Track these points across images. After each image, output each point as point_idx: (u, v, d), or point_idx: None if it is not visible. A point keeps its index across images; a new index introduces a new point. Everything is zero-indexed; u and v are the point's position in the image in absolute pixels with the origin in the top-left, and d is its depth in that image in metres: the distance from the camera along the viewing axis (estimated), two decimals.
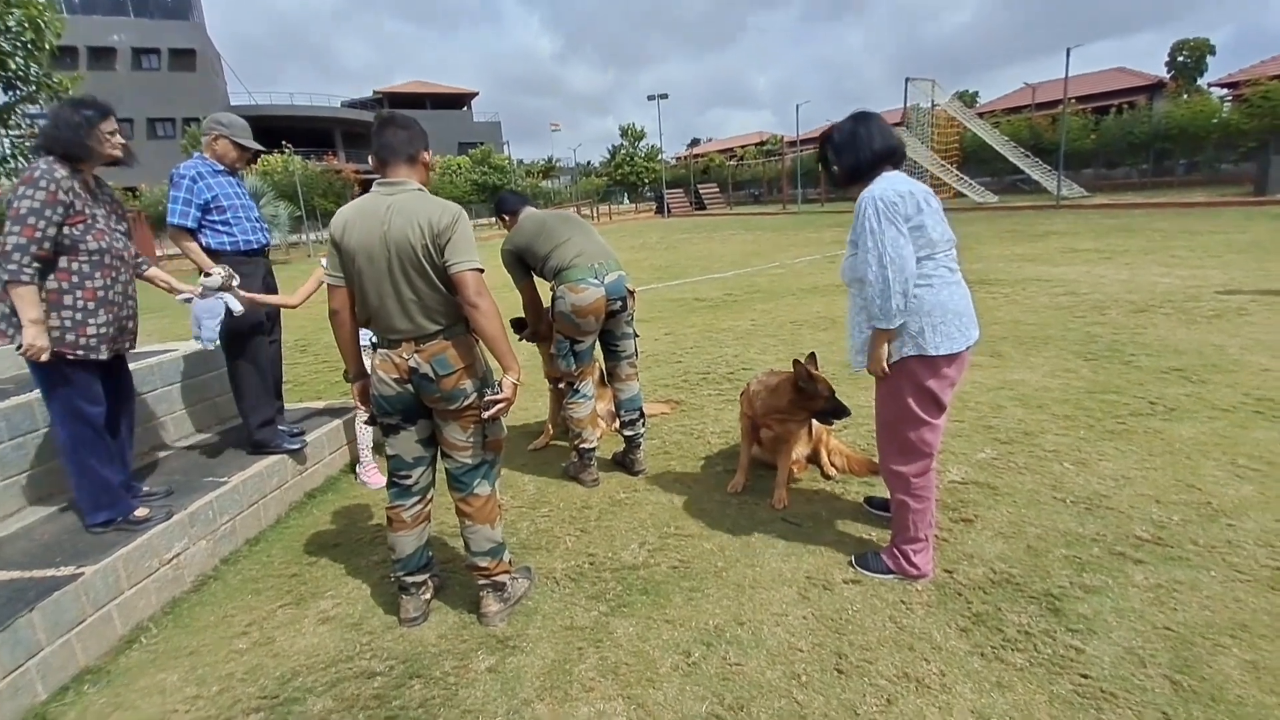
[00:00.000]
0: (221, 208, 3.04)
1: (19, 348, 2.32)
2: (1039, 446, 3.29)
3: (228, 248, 3.07)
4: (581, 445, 3.25)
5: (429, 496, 2.32)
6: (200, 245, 3.02)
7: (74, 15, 35.48)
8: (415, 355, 2.04)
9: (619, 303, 3.12)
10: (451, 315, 2.05)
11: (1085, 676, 1.81)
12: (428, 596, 2.36)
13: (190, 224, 2.98)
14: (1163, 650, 1.89)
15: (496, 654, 2.11)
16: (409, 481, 2.24)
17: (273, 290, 3.31)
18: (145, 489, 2.80)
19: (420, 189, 2.10)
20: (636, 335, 3.37)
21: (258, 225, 3.19)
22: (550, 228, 3.13)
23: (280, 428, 3.43)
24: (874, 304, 2.05)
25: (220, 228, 3.05)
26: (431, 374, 2.03)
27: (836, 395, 2.78)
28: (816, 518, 2.80)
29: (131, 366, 3.28)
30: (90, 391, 2.50)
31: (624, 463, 3.42)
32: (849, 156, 2.16)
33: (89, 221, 2.41)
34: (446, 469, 2.25)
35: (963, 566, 2.36)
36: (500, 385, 2.08)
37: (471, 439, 2.16)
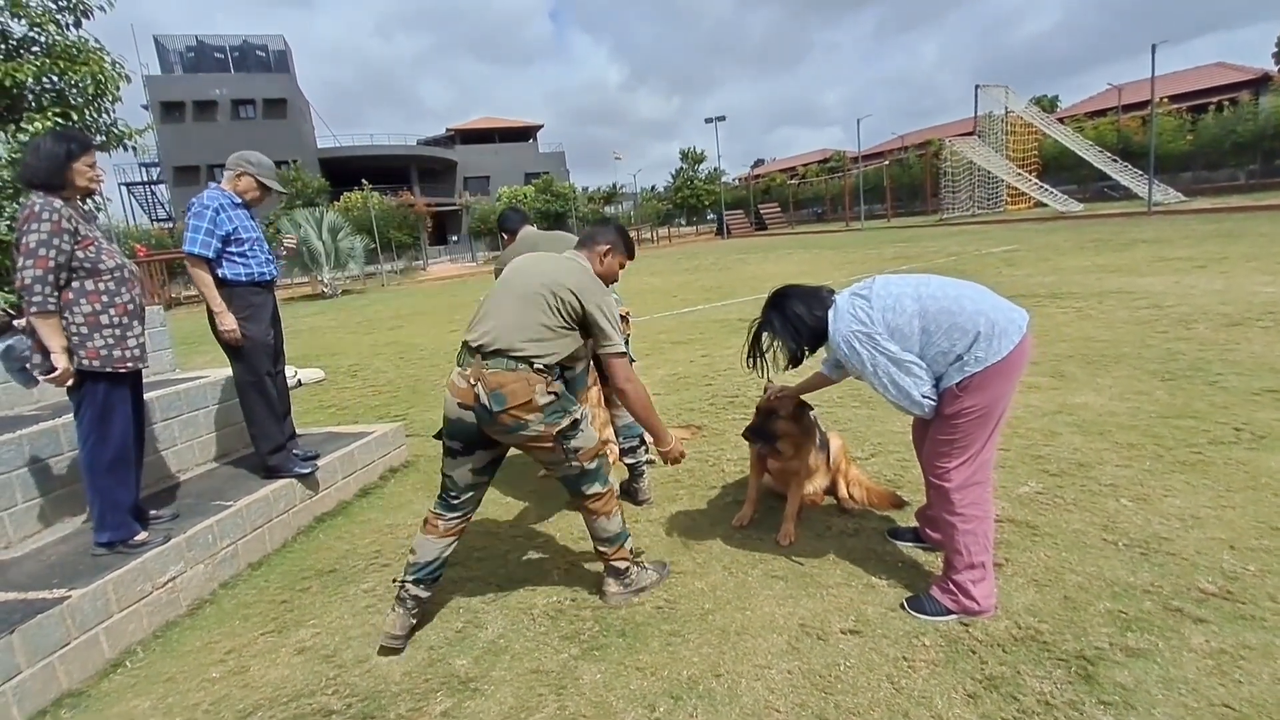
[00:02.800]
0: (240, 240, 3.14)
1: (47, 373, 2.44)
2: (1094, 480, 2.90)
3: (243, 279, 3.15)
4: None
5: (469, 515, 2.36)
6: (216, 276, 3.12)
7: (182, 75, 39.38)
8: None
9: None
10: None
11: None
12: (414, 622, 2.29)
13: (211, 254, 3.07)
14: None
15: (456, 696, 1.99)
16: (456, 501, 2.30)
17: (279, 320, 3.38)
18: (153, 513, 2.87)
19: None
20: (633, 360, 3.23)
21: (269, 259, 3.28)
22: (539, 249, 3.05)
23: (294, 453, 3.48)
24: (911, 411, 2.10)
25: (238, 260, 3.15)
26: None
27: (767, 418, 2.66)
28: (824, 557, 2.55)
29: (158, 393, 3.44)
30: (126, 408, 2.64)
31: (628, 492, 3.26)
32: (791, 340, 2.17)
33: (97, 243, 2.54)
34: (552, 475, 2.37)
35: (981, 619, 2.05)
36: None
37: (557, 457, 2.21)
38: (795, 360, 2.23)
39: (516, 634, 2.27)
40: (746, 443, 2.92)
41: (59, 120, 5.44)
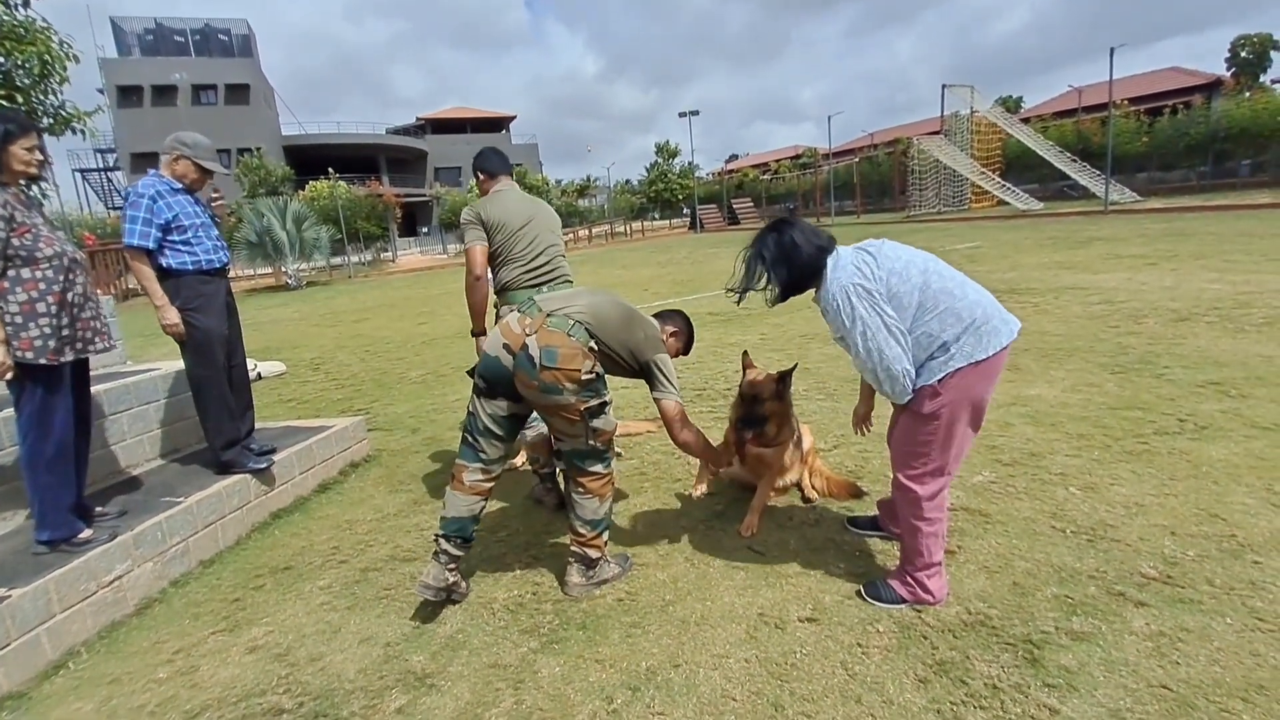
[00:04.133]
0: (183, 227, 3.01)
1: None
2: (1044, 469, 2.98)
3: (189, 268, 3.04)
4: (540, 470, 3.10)
5: (493, 474, 2.35)
6: (160, 266, 3.00)
7: (140, 58, 38.00)
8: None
9: None
10: None
11: None
12: (451, 580, 2.29)
13: (150, 245, 2.94)
14: (1156, 714, 1.61)
15: (411, 693, 1.96)
16: (476, 446, 2.30)
17: (233, 310, 3.28)
18: (98, 509, 2.77)
19: None
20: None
21: (218, 244, 3.16)
22: (514, 230, 2.92)
23: (251, 447, 3.39)
24: (882, 388, 1.98)
25: (181, 248, 3.03)
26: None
27: (754, 404, 2.65)
28: (784, 546, 2.58)
29: (106, 386, 3.32)
30: (67, 402, 2.54)
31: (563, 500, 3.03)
32: (783, 270, 1.98)
33: (35, 230, 2.43)
34: (559, 447, 2.35)
35: (934, 605, 2.10)
36: None
37: (576, 430, 2.23)
38: (783, 295, 2.02)
39: (475, 628, 2.25)
40: (724, 436, 2.95)
41: (3, 102, 5.19)
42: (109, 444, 3.31)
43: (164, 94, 37.50)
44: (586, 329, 2.20)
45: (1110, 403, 3.72)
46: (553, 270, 3.03)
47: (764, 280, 2.01)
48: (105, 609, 2.49)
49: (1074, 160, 22.68)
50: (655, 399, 2.35)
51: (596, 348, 2.21)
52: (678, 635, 2.09)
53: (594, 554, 2.35)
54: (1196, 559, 2.22)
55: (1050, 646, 1.86)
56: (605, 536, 2.38)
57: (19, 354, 2.36)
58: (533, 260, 2.97)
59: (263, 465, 3.31)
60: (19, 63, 5.25)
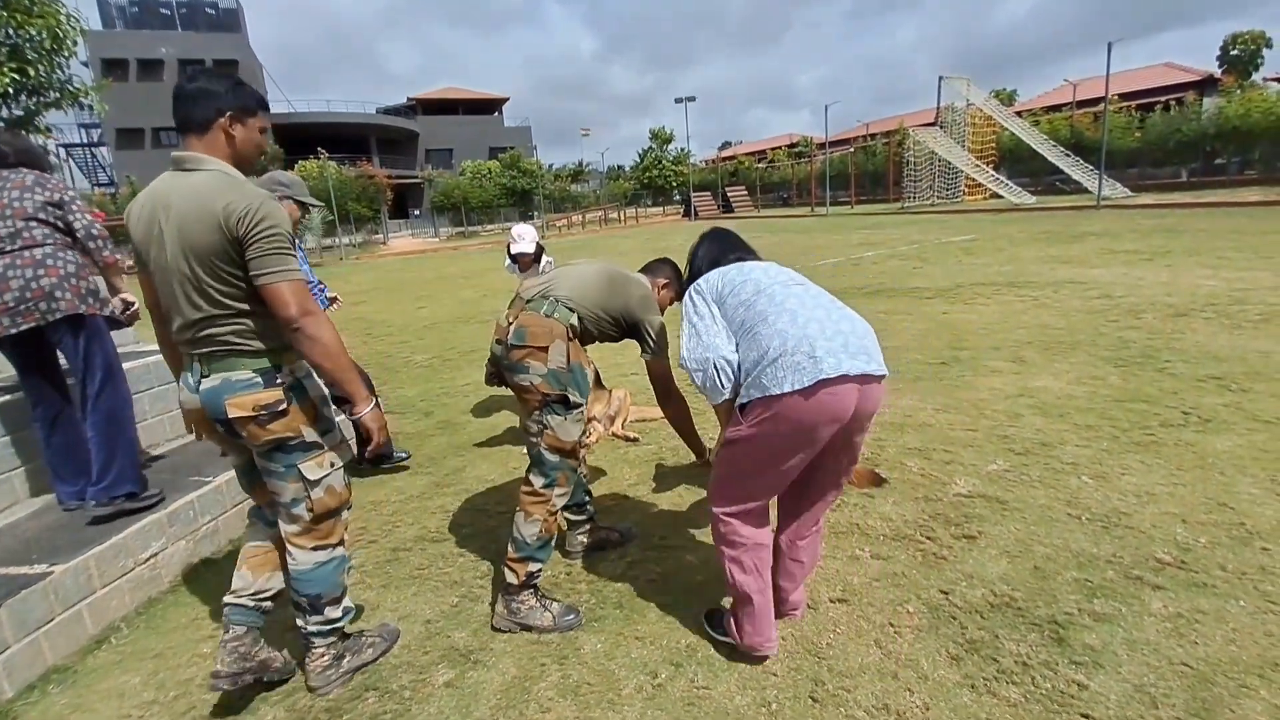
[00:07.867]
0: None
1: (124, 309, 2.73)
2: (1056, 458, 3.07)
3: None
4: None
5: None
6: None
7: (126, 31, 37.15)
8: None
9: (222, 426, 1.73)
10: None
11: (1086, 717, 1.64)
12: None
13: None
14: (1178, 689, 1.70)
15: (457, 667, 2.02)
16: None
17: None
18: None
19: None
20: (309, 480, 1.80)
21: (320, 287, 3.37)
22: (141, 254, 1.73)
23: None
24: (696, 381, 1.85)
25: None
26: None
27: None
28: None
29: (126, 365, 3.32)
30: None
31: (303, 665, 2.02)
32: (685, 275, 2.24)
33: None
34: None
35: (960, 588, 2.18)
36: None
37: (531, 422, 2.18)
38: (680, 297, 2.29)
39: None
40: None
41: (15, 76, 5.11)
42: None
43: (150, 68, 36.78)
44: (567, 305, 2.14)
45: (1115, 395, 3.82)
46: (193, 343, 1.70)
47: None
48: (143, 586, 2.52)
49: (1067, 154, 22.86)
50: (645, 360, 2.34)
51: (578, 325, 2.15)
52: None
53: (510, 577, 2.14)
54: (1208, 546, 2.32)
55: (1074, 627, 1.95)
56: (532, 568, 2.13)
57: (110, 311, 2.66)
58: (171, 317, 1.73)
59: None
60: (27, 37, 5.16)
